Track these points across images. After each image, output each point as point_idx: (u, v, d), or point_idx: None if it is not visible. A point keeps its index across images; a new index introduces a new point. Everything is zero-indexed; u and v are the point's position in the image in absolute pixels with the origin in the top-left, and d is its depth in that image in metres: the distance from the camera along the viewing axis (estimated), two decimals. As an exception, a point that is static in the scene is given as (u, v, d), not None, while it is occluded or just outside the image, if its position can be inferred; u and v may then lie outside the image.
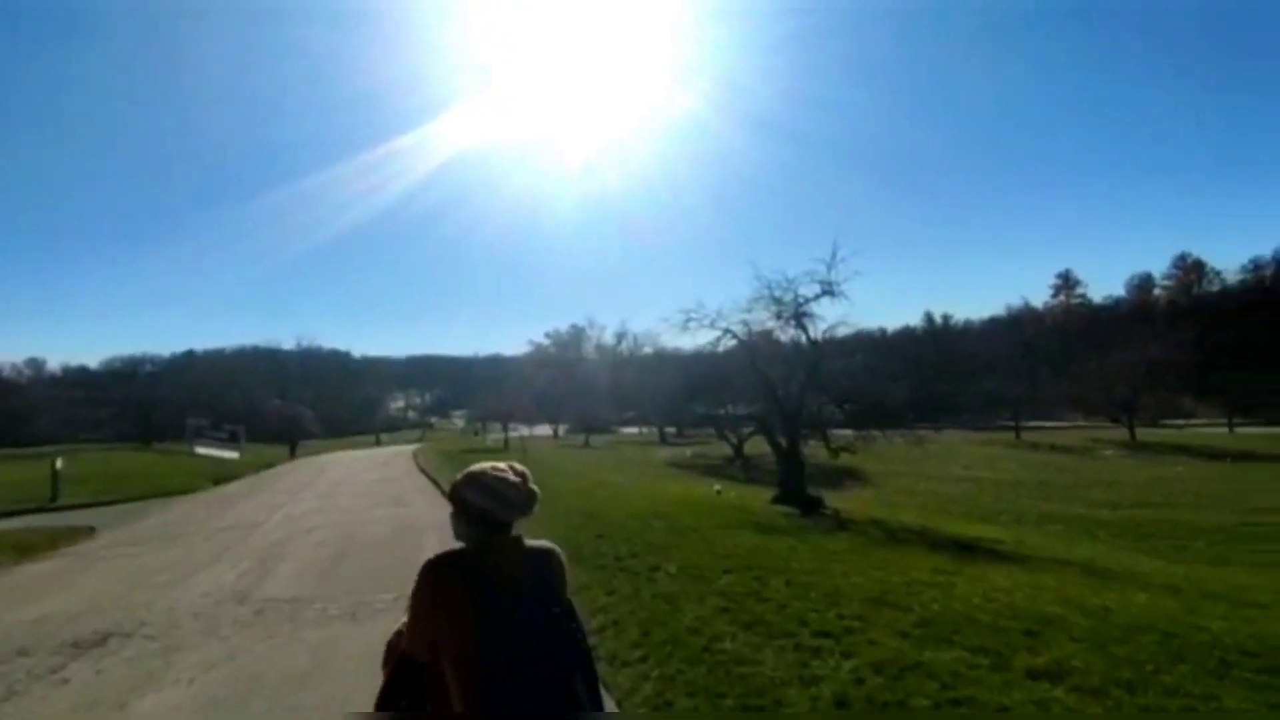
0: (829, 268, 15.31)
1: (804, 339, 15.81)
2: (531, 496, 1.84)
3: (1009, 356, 67.25)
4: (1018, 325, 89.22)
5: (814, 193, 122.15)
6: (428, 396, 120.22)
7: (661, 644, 4.87)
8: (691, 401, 28.33)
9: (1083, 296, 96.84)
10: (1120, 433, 45.96)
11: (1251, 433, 42.45)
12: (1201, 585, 7.35)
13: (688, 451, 37.30)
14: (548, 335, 74.72)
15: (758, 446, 32.70)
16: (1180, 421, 52.04)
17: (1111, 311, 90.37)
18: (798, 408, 15.56)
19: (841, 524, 11.91)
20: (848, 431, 17.50)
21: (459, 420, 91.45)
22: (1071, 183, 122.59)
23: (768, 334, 16.15)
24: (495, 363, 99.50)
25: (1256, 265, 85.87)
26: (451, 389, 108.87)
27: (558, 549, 1.92)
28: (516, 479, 1.82)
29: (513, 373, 71.78)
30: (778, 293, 15.58)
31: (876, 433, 16.32)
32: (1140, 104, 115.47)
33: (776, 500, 14.93)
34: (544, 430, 61.80)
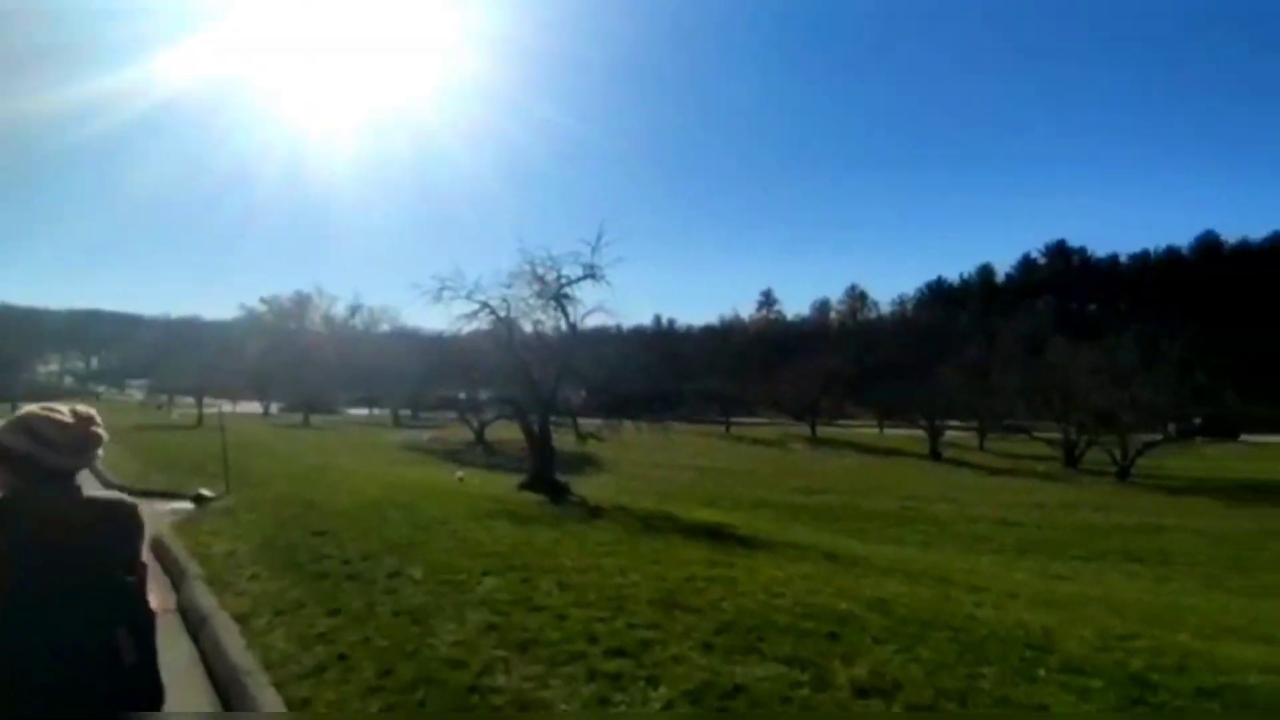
0: (593, 250, 14.86)
1: (564, 322, 15.17)
2: (88, 439, 1.69)
3: (721, 360, 75.32)
4: (728, 333, 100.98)
5: (585, 176, 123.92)
6: (95, 360, 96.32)
7: (411, 686, 3.66)
8: (433, 382, 26.22)
9: (779, 313, 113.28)
10: (805, 430, 53.83)
11: (896, 433, 52.71)
12: (921, 568, 8.19)
13: (425, 435, 34.68)
14: (264, 300, 64.39)
15: (498, 431, 31.66)
16: (847, 422, 62.70)
17: (800, 327, 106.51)
18: (553, 392, 14.88)
19: (593, 511, 11.46)
20: (596, 420, 17.38)
21: (137, 391, 74.51)
22: (776, 215, 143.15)
23: (527, 313, 15.21)
24: (192, 326, 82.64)
25: (902, 300, 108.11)
26: (130, 354, 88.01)
27: (130, 501, 1.79)
28: (71, 420, 1.68)
29: (215, 339, 60.56)
30: (541, 270, 14.72)
31: (627, 421, 16.42)
32: (828, 155, 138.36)
33: (524, 486, 14.08)
34: (252, 407, 53.40)
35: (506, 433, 30.06)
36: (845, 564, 7.63)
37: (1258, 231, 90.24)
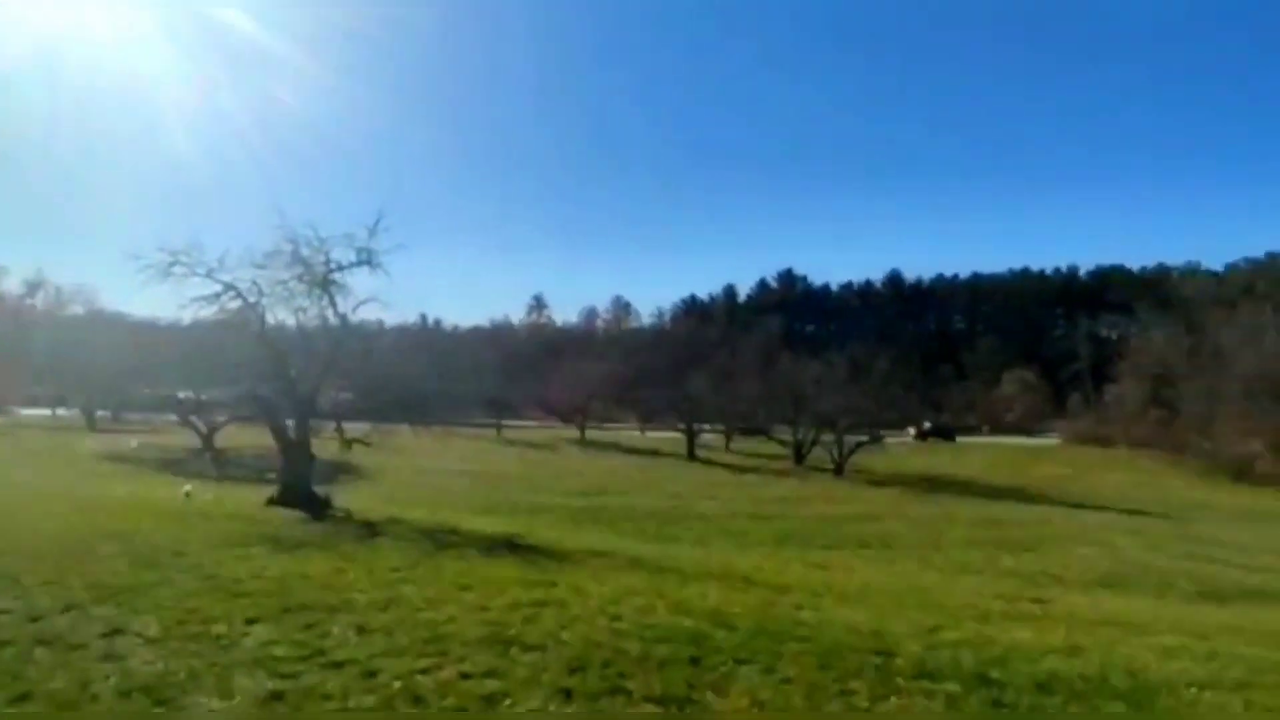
0: (371, 234, 13.29)
1: (331, 313, 13.32)
2: None
3: (491, 362, 73.68)
4: (498, 335, 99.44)
5: (357, 156, 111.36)
6: None
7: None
8: (144, 377, 21.42)
9: (549, 318, 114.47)
10: (574, 433, 54.69)
11: (656, 435, 55.88)
12: (719, 569, 8.41)
13: (132, 442, 28.28)
14: (-99, 272, 47.99)
15: (230, 436, 27.12)
16: (613, 425, 65.01)
17: (569, 334, 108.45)
18: (314, 391, 12.98)
19: (367, 527, 10.14)
20: (361, 424, 15.63)
21: None
22: (551, 228, 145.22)
23: (286, 300, 13.05)
24: None
25: (661, 312, 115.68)
26: None
27: None
28: None
29: None
30: (306, 252, 12.77)
31: (403, 425, 14.96)
32: (601, 173, 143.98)
33: (275, 501, 12.04)
34: None
35: (242, 437, 25.92)
36: (655, 571, 7.57)
37: (931, 271, 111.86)
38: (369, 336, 15.61)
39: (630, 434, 60.50)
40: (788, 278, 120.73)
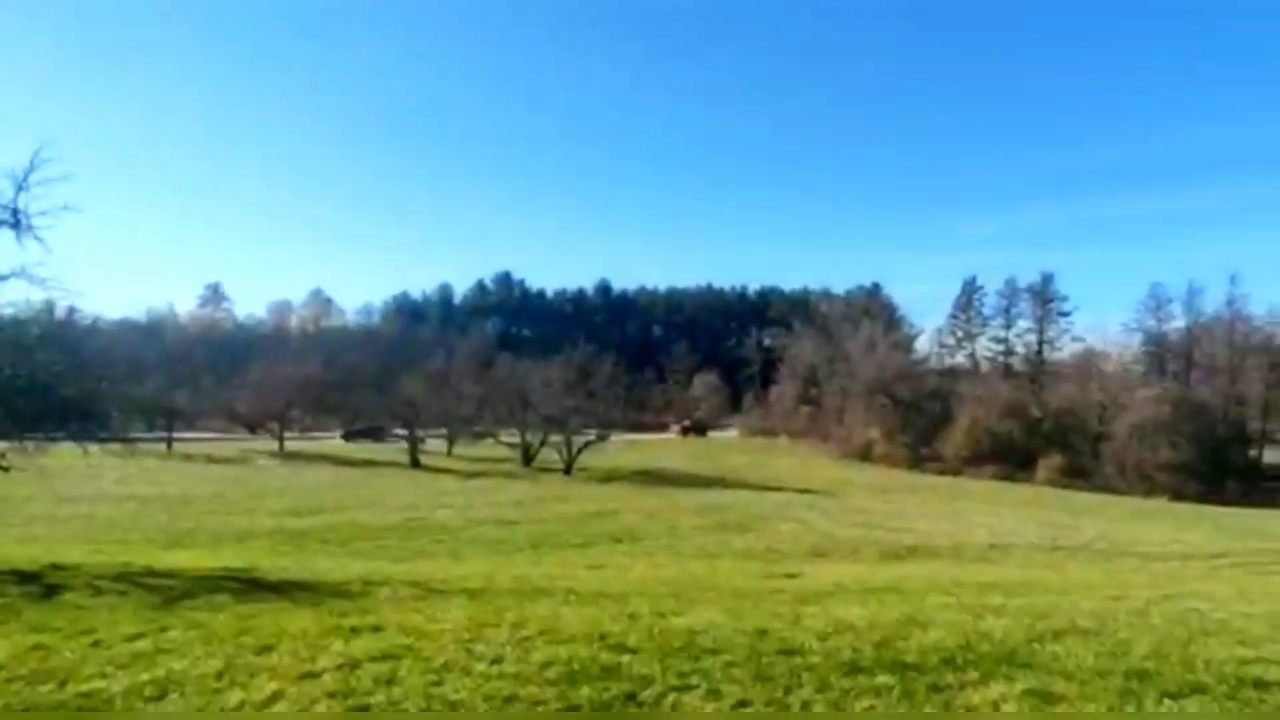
0: (20, 187, 9.88)
1: (-52, 287, 9.59)
2: None
3: (151, 362, 60.48)
4: (158, 330, 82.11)
5: None
6: None
7: None
8: None
9: (228, 311, 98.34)
10: (270, 444, 47.66)
11: (364, 445, 51.48)
12: (514, 582, 7.89)
13: None
14: None
15: None
16: (318, 435, 58.05)
17: (255, 330, 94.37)
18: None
19: (34, 581, 7.50)
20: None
21: None
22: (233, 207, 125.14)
23: None
24: None
25: (370, 310, 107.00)
26: None
27: None
28: None
29: None
30: (-96, 199, 9.00)
31: (53, 441, 11.37)
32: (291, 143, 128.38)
33: None
34: None
35: None
36: (470, 594, 6.78)
37: (634, 283, 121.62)
38: (9, 325, 11.67)
39: (334, 442, 54.90)
40: (505, 281, 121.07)
